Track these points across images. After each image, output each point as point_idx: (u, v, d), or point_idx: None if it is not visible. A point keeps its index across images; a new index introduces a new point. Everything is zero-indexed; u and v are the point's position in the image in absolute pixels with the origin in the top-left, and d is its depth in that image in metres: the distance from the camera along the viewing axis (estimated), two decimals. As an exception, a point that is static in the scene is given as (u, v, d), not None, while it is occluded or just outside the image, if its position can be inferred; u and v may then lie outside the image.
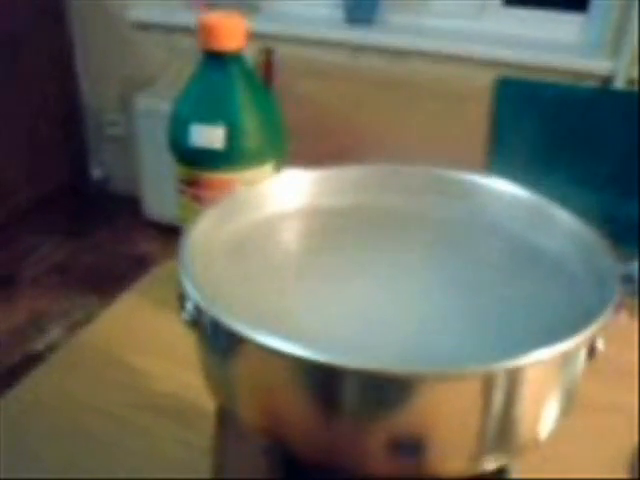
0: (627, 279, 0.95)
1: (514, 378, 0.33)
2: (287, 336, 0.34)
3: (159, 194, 1.77)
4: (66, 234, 1.55)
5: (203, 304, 0.36)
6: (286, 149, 0.67)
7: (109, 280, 1.34)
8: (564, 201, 0.45)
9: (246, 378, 0.36)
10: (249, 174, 0.63)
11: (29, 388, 0.64)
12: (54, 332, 1.18)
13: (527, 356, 0.33)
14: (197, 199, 0.64)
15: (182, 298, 0.38)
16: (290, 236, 0.47)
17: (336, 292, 0.41)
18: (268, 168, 0.64)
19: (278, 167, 0.65)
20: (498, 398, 0.33)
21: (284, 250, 0.45)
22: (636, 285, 0.92)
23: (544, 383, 0.35)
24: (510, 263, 0.43)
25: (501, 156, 1.09)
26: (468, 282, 0.42)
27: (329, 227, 0.46)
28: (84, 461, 0.57)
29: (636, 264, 0.95)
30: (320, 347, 0.33)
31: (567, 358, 0.35)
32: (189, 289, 0.37)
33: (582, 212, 0.44)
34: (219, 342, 0.36)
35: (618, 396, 0.64)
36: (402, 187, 0.48)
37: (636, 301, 0.88)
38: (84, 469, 0.56)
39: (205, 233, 0.43)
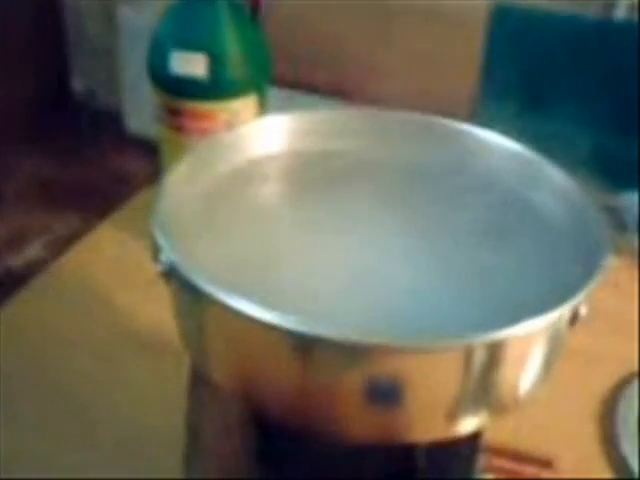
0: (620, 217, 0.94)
1: (494, 350, 0.32)
2: (260, 295, 0.33)
3: (143, 109, 1.72)
4: (47, 149, 1.52)
5: (175, 261, 0.34)
6: (270, 79, 0.64)
7: (91, 197, 1.32)
8: (560, 140, 0.43)
9: (217, 339, 0.35)
10: (232, 105, 0.60)
11: (6, 318, 0.63)
12: (34, 249, 1.17)
13: (508, 329, 0.32)
14: (178, 129, 0.62)
15: (156, 249, 0.37)
16: (269, 184, 0.45)
17: (313, 246, 0.40)
18: (251, 99, 0.61)
19: (262, 98, 0.62)
20: (477, 368, 0.33)
21: (262, 199, 0.43)
22: (636, 219, 0.90)
23: (524, 353, 0.34)
24: (497, 219, 0.42)
25: (494, 89, 1.06)
26: (452, 238, 0.40)
27: (309, 175, 0.45)
28: (63, 396, 0.56)
29: (631, 199, 0.93)
30: (293, 308, 0.32)
31: (549, 329, 0.34)
32: (162, 243, 0.36)
33: (579, 151, 0.42)
34: (190, 300, 0.35)
35: (611, 346, 0.63)
36: (387, 134, 0.46)
37: (634, 242, 0.86)
38: (62, 405, 0.56)
39: (182, 181, 0.41)
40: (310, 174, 0.45)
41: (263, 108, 0.63)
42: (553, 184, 0.41)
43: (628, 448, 0.55)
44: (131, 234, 0.71)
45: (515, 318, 0.32)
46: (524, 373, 0.35)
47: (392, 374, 0.32)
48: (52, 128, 1.62)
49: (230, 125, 0.60)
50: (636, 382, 0.61)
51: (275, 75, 0.64)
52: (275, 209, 0.43)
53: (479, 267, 0.38)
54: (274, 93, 0.65)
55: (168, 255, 0.35)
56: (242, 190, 0.43)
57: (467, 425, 0.35)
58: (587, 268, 0.35)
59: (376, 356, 0.32)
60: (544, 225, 0.41)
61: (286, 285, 0.37)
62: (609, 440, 0.57)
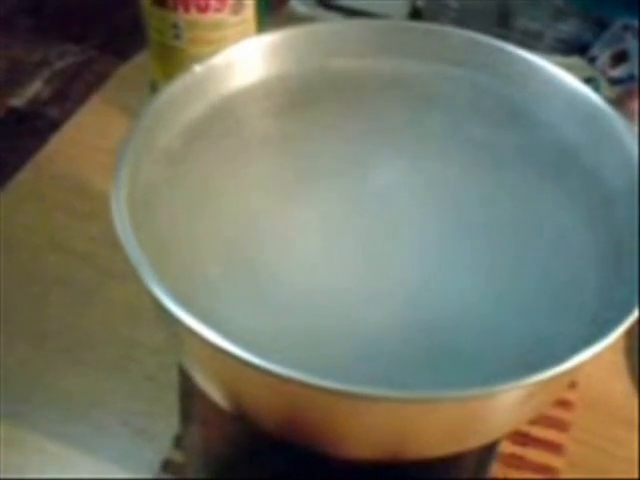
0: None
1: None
2: (246, 303, 0.27)
3: None
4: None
5: (141, 272, 0.29)
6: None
7: (90, 21, 1.20)
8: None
9: (199, 362, 0.30)
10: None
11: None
12: (35, 87, 1.10)
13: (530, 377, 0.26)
14: (160, 4, 0.52)
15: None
16: (253, 131, 0.36)
17: (310, 220, 0.33)
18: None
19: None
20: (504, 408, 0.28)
21: (248, 150, 0.35)
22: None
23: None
24: (547, 191, 0.34)
25: None
26: (486, 214, 0.33)
27: (305, 111, 0.36)
28: (54, 306, 0.53)
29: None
30: (289, 324, 0.27)
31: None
32: (127, 248, 0.29)
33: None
34: (163, 315, 0.30)
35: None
36: (410, 52, 0.37)
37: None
38: (54, 314, 0.53)
39: (145, 141, 0.33)
40: (309, 110, 0.36)
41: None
42: (623, 150, 0.33)
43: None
44: (118, 111, 0.63)
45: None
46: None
47: (395, 423, 0.28)
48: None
49: (221, 0, 0.50)
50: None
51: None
52: (258, 173, 0.35)
53: (511, 262, 0.32)
54: None
55: (133, 259, 0.29)
56: (220, 142, 0.35)
57: (479, 442, 0.32)
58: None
59: (373, 406, 0.27)
60: (603, 208, 0.33)
61: (279, 285, 0.31)
62: (634, 355, 0.53)
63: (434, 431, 0.29)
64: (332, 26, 0.36)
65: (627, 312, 0.27)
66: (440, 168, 0.36)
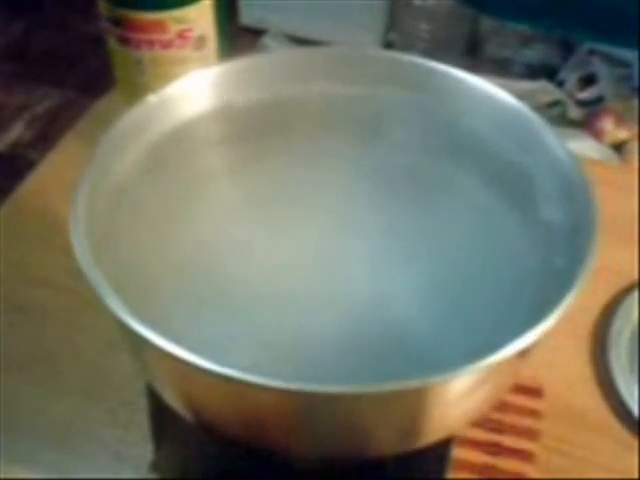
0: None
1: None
2: (204, 313, 0.29)
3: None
4: (15, 10, 1.40)
5: (100, 292, 0.30)
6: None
7: (68, 64, 1.22)
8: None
9: (158, 373, 0.32)
10: (183, 13, 0.52)
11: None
12: (17, 130, 1.11)
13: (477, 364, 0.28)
14: (124, 42, 0.54)
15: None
16: (205, 158, 0.38)
17: (261, 237, 0.35)
18: (206, 6, 0.53)
19: (219, 6, 0.54)
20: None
21: (201, 174, 0.37)
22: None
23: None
24: (481, 194, 0.36)
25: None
26: (427, 223, 0.35)
27: (256, 138, 0.38)
28: (35, 338, 0.54)
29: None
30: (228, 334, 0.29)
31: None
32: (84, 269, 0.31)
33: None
34: (122, 330, 0.31)
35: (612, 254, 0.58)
36: (352, 78, 0.39)
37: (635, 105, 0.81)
38: (35, 347, 0.54)
39: (101, 170, 0.35)
40: (257, 136, 0.38)
41: (223, 14, 0.54)
42: (549, 153, 0.35)
43: (617, 367, 0.53)
44: (91, 146, 0.65)
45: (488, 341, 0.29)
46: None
47: (344, 416, 0.29)
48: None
49: (183, 37, 0.52)
50: (636, 292, 0.57)
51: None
52: (213, 191, 0.37)
53: (457, 260, 0.34)
54: None
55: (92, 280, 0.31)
56: (174, 169, 0.37)
57: (431, 439, 0.33)
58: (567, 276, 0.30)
59: (322, 401, 0.28)
60: (535, 206, 0.35)
61: (234, 298, 0.33)
62: (600, 362, 0.54)
63: (389, 425, 0.30)
64: (279, 55, 0.38)
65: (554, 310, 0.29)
66: (388, 181, 0.38)
